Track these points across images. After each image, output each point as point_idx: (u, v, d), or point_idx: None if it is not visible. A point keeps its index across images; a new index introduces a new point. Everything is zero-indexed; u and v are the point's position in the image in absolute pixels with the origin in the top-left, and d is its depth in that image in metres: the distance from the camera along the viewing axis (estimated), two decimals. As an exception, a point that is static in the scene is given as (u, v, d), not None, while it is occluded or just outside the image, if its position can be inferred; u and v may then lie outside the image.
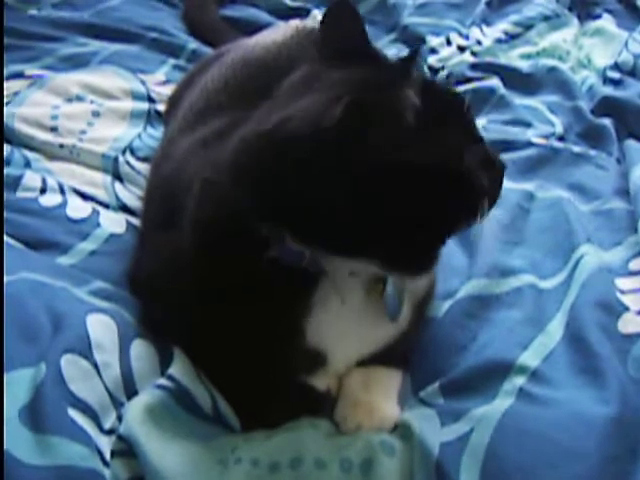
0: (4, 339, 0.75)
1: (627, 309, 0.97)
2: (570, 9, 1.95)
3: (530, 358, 0.88)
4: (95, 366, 0.79)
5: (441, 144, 0.74)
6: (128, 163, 1.24)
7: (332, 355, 0.83)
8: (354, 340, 0.84)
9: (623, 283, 1.02)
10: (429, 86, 0.78)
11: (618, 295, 0.99)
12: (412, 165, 0.71)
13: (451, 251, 1.01)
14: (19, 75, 1.43)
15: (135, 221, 1.10)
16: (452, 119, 0.78)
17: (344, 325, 0.81)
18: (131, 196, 1.18)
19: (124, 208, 1.16)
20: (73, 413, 0.73)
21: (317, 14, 1.83)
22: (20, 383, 0.72)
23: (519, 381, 0.85)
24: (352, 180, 0.70)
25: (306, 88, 0.78)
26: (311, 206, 0.72)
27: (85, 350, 0.79)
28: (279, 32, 1.19)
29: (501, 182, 0.83)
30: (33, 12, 1.72)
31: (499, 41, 1.81)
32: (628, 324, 0.94)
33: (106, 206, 1.15)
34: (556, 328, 0.93)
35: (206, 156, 0.87)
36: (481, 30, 1.85)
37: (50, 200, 1.11)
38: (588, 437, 0.78)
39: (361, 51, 0.82)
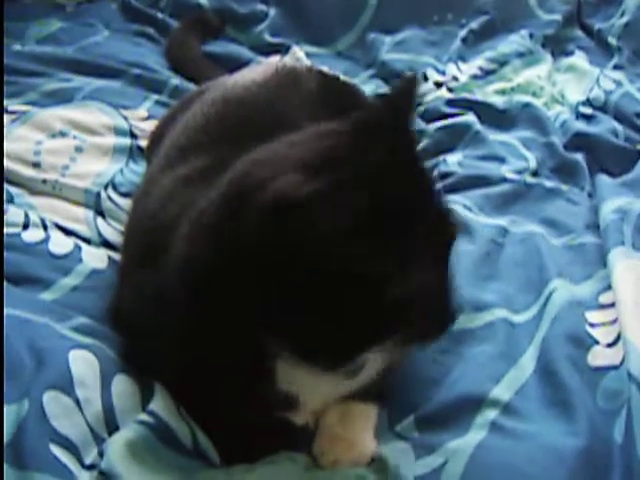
0: None
1: (597, 342, 0.99)
2: (544, 46, 1.98)
3: (502, 392, 0.90)
4: (77, 402, 0.80)
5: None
6: (110, 198, 1.25)
7: (303, 399, 0.82)
8: (325, 387, 0.83)
9: (593, 316, 1.04)
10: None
11: (588, 328, 1.01)
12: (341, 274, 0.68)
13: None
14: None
15: (117, 256, 1.11)
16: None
17: (313, 374, 0.77)
18: (113, 231, 1.19)
19: (106, 243, 1.17)
20: (55, 449, 0.74)
21: (297, 50, 1.86)
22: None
23: (491, 414, 0.87)
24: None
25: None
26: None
27: (67, 386, 0.80)
28: (259, 71, 1.20)
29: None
30: (17, 47, 1.74)
31: (475, 77, 1.83)
32: (597, 357, 0.97)
33: (88, 241, 1.16)
34: (528, 362, 0.96)
35: (188, 195, 0.88)
36: (457, 66, 1.87)
37: (32, 235, 1.11)
38: (558, 469, 0.80)
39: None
